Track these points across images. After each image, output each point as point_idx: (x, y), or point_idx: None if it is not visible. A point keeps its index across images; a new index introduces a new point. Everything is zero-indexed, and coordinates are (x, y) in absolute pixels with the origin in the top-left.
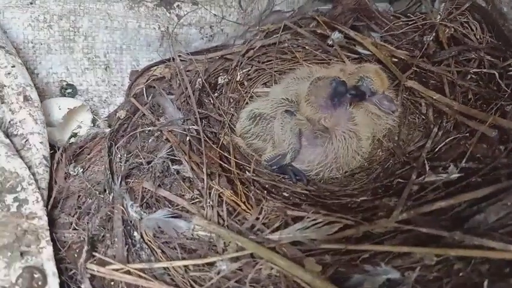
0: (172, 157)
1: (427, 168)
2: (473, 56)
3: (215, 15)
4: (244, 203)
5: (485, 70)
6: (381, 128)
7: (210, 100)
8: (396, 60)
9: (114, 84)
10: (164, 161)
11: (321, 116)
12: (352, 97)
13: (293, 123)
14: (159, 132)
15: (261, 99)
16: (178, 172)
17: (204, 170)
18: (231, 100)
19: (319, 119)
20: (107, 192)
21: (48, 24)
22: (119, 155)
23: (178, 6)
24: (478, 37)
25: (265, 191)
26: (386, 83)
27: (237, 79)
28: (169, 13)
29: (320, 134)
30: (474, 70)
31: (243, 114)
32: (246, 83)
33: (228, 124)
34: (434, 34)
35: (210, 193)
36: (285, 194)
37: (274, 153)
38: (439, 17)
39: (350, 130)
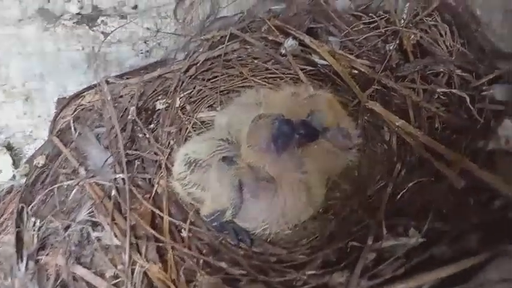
0: (94, 219)
1: (384, 231)
2: (441, 69)
3: (148, 28)
4: (173, 281)
5: (454, 90)
6: (340, 167)
7: (144, 134)
8: (356, 72)
9: (39, 116)
10: (83, 227)
11: (264, 162)
12: (301, 137)
13: (232, 174)
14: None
15: (197, 138)
16: (99, 239)
17: (127, 241)
18: (170, 132)
19: (263, 166)
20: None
21: None
22: (32, 221)
23: (103, 22)
24: (448, 44)
25: (202, 260)
26: (341, 113)
27: (177, 105)
28: (93, 31)
29: (264, 184)
30: (442, 90)
31: (179, 155)
32: (188, 107)
33: (165, 165)
34: (397, 41)
35: (133, 270)
36: (222, 265)
37: (212, 208)
38: (402, 20)
39: (299, 180)
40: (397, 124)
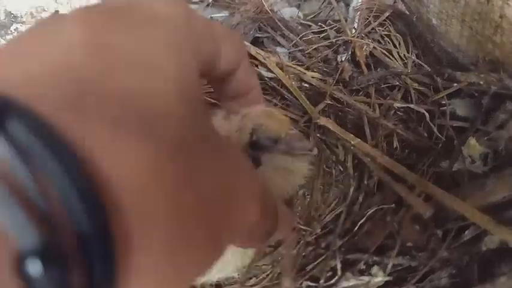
0: None
1: (339, 268)
2: (397, 82)
3: None
4: None
5: (412, 106)
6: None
7: None
8: (307, 85)
9: None
10: None
11: None
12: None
13: None
14: None
15: None
16: None
17: None
18: None
19: None
20: None
21: None
22: None
23: (17, 30)
24: (402, 56)
25: None
26: (285, 121)
27: None
28: (4, 40)
29: None
30: (399, 105)
31: None
32: None
33: None
34: (350, 53)
35: None
36: None
37: None
38: (354, 30)
39: None
40: (352, 143)
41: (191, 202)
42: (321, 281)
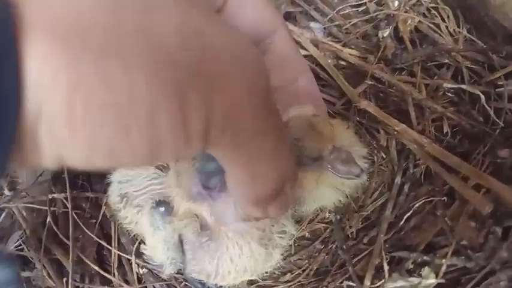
0: (24, 254)
1: (386, 267)
2: (446, 60)
3: None
4: None
5: (464, 86)
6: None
7: None
8: (344, 64)
9: None
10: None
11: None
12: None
13: (168, 231)
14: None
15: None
16: (29, 281)
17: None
18: None
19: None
20: None
21: None
22: None
23: None
24: (452, 31)
25: None
26: (330, 136)
27: None
28: None
29: (207, 242)
30: (449, 86)
31: (113, 182)
32: None
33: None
34: (392, 27)
35: None
36: None
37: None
38: (396, 2)
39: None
40: (396, 129)
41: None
42: (365, 281)
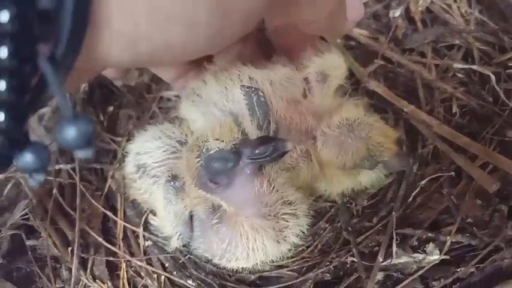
0: (30, 223)
1: (395, 243)
2: (457, 41)
3: None
4: None
5: (474, 67)
6: None
7: (97, 117)
8: (354, 44)
9: None
10: (16, 233)
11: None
12: (253, 162)
13: (180, 207)
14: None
15: (152, 133)
16: (35, 249)
17: (75, 254)
18: (130, 115)
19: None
20: None
21: None
22: None
23: None
24: (463, 12)
25: (163, 277)
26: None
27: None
28: None
29: (218, 225)
30: (460, 67)
31: (131, 153)
32: (154, 87)
33: (122, 155)
34: (403, 7)
35: None
36: (189, 284)
37: (160, 226)
38: None
39: (264, 217)
40: (405, 110)
41: None
42: (378, 257)
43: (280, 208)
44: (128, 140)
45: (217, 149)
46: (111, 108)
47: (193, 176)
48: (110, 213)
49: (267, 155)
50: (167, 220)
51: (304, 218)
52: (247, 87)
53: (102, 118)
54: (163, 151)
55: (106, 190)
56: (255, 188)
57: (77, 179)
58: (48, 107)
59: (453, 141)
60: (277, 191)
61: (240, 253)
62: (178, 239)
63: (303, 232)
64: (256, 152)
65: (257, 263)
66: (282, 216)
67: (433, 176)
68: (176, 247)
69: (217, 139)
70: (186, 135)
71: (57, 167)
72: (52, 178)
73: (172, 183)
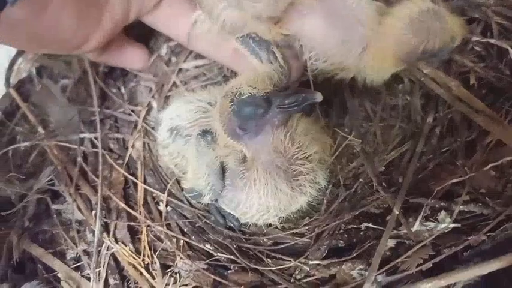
0: (55, 189)
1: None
2: (476, 15)
3: None
4: (147, 267)
5: (492, 40)
6: None
7: (118, 89)
8: None
9: None
10: (42, 198)
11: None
12: (282, 111)
13: (211, 157)
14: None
15: (185, 98)
16: (59, 213)
17: (95, 216)
18: (150, 87)
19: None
20: None
21: None
22: None
23: None
24: None
25: (182, 241)
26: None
27: (162, 53)
28: None
29: (244, 171)
30: (477, 40)
31: (164, 118)
32: (173, 60)
33: (143, 126)
34: None
35: (99, 252)
36: (207, 247)
37: (191, 185)
38: None
39: (276, 166)
40: (424, 72)
41: None
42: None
43: (294, 154)
44: (147, 112)
45: (249, 94)
46: (131, 82)
47: (224, 122)
48: (132, 178)
49: (296, 105)
50: (200, 172)
51: (319, 167)
52: (240, 37)
53: (123, 91)
54: (195, 112)
55: (127, 159)
56: (277, 137)
57: (100, 147)
58: (71, 79)
59: (470, 104)
60: (297, 142)
61: (255, 200)
62: (210, 192)
63: (317, 183)
64: (286, 102)
65: (274, 216)
66: (296, 162)
67: (448, 148)
68: (209, 202)
69: (250, 85)
70: (216, 97)
71: (81, 135)
72: (76, 146)
73: (203, 136)
